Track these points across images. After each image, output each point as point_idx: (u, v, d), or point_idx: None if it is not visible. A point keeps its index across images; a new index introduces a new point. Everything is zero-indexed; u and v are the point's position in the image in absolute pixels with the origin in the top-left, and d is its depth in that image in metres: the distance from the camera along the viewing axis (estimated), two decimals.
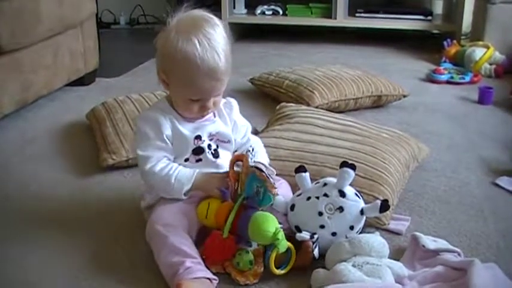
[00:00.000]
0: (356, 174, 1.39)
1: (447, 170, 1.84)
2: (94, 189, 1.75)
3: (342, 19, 3.54)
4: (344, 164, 1.38)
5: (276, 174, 1.47)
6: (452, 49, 3.08)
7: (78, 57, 2.65)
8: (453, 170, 1.84)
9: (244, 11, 3.74)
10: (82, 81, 2.73)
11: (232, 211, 1.32)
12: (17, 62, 2.22)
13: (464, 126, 2.24)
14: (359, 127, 1.85)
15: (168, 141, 1.39)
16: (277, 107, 2.09)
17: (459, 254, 1.34)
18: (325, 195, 1.37)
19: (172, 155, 1.41)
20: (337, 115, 2.01)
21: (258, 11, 3.66)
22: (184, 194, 1.37)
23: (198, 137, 1.41)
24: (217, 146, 1.44)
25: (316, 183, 1.43)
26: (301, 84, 2.37)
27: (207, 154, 1.42)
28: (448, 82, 2.79)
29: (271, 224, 1.28)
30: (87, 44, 2.71)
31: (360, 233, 1.38)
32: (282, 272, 1.30)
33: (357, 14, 3.58)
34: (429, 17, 3.51)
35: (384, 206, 1.35)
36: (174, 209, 1.36)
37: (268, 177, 1.30)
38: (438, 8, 3.77)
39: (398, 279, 1.23)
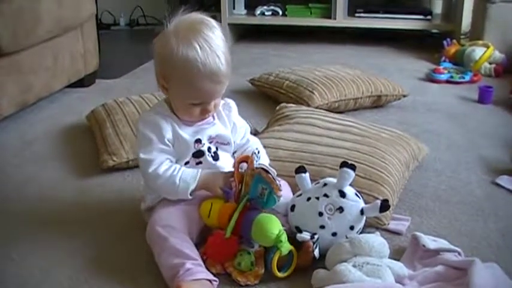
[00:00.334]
0: (356, 175, 1.39)
1: (447, 170, 1.84)
2: (94, 190, 1.75)
3: (341, 19, 3.54)
4: (344, 164, 1.38)
5: (276, 175, 1.47)
6: (452, 48, 3.08)
7: (78, 59, 2.65)
8: (453, 169, 1.84)
9: (244, 11, 3.74)
10: (82, 82, 2.73)
11: (236, 211, 1.32)
12: (17, 64, 2.22)
13: (464, 125, 2.24)
14: (359, 127, 1.85)
15: (169, 144, 1.39)
16: (277, 108, 2.09)
17: (459, 254, 1.34)
18: (325, 195, 1.37)
19: (174, 157, 1.40)
20: (336, 115, 2.01)
21: (258, 11, 3.67)
22: (190, 194, 1.37)
23: (198, 141, 1.41)
24: (217, 149, 1.44)
25: (316, 184, 1.43)
26: (301, 85, 2.37)
27: (207, 157, 1.42)
28: (447, 81, 2.79)
29: (275, 225, 1.28)
30: (87, 45, 2.72)
31: (360, 233, 1.38)
32: (284, 274, 1.30)
33: (357, 14, 3.58)
34: (429, 17, 3.51)
35: (384, 206, 1.35)
36: (175, 210, 1.36)
37: (274, 180, 1.30)
38: (438, 7, 3.77)
39: (399, 279, 1.23)
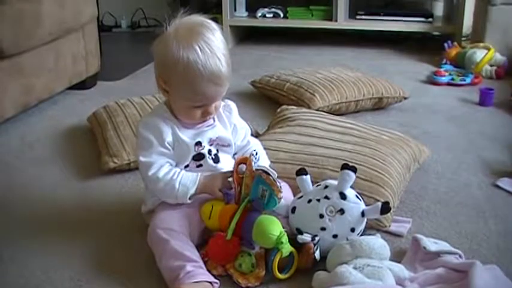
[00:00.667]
0: (357, 177, 1.39)
1: (448, 172, 1.84)
2: (95, 192, 1.75)
3: (342, 21, 3.54)
4: (345, 167, 1.38)
5: (277, 177, 1.47)
6: (453, 51, 3.07)
7: (79, 61, 2.65)
8: (454, 171, 1.84)
9: (245, 13, 3.74)
10: (83, 84, 2.73)
11: (237, 213, 1.33)
12: (19, 66, 2.23)
13: (465, 127, 2.24)
14: (360, 129, 1.85)
15: (169, 148, 1.39)
16: (278, 110, 2.09)
17: (460, 256, 1.34)
18: (326, 197, 1.37)
19: (174, 160, 1.41)
20: (337, 117, 2.01)
21: (259, 13, 3.67)
22: (189, 198, 1.37)
23: (199, 143, 1.41)
24: (218, 151, 1.45)
25: (317, 186, 1.43)
26: (302, 87, 2.38)
27: (208, 160, 1.42)
28: (448, 84, 2.79)
29: (276, 227, 1.28)
30: (89, 47, 2.72)
31: (361, 235, 1.38)
32: (285, 276, 1.30)
33: (358, 17, 3.58)
34: (430, 19, 3.51)
35: (385, 208, 1.35)
36: (176, 213, 1.36)
37: (275, 181, 1.30)
38: (439, 9, 3.77)
39: (400, 282, 1.23)
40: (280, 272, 1.29)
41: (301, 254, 1.31)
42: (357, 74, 2.54)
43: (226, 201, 1.38)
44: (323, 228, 1.35)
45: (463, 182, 1.77)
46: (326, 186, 1.40)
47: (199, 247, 1.34)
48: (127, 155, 1.86)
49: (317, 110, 2.20)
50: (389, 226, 1.49)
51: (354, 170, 1.38)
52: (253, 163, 1.35)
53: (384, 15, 3.56)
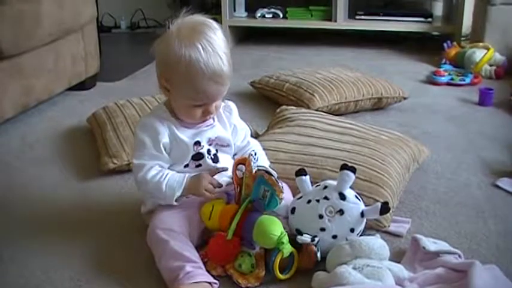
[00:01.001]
0: (356, 177, 1.39)
1: (447, 172, 1.84)
2: (95, 193, 1.76)
3: (342, 22, 3.54)
4: (344, 167, 1.38)
5: (278, 177, 1.47)
6: (453, 51, 3.08)
7: (79, 62, 2.65)
8: (453, 171, 1.84)
9: (245, 14, 3.74)
10: (83, 85, 2.74)
11: (237, 213, 1.33)
12: (18, 67, 2.23)
13: (464, 127, 2.24)
14: (359, 129, 1.85)
15: (163, 151, 1.39)
16: (278, 110, 2.09)
17: (459, 256, 1.34)
18: (326, 198, 1.37)
19: (167, 163, 1.41)
20: (337, 118, 2.01)
21: (258, 14, 3.67)
22: (176, 200, 1.37)
23: (198, 143, 1.41)
24: (217, 151, 1.45)
25: (316, 186, 1.43)
26: (301, 87, 2.38)
27: (207, 159, 1.42)
28: (448, 84, 2.79)
29: (277, 227, 1.29)
30: (88, 48, 2.72)
31: (361, 235, 1.38)
32: (286, 276, 1.30)
33: (357, 17, 3.58)
34: (429, 19, 3.51)
35: (384, 209, 1.36)
36: (175, 213, 1.36)
37: (277, 182, 1.30)
38: (438, 9, 3.77)
39: (399, 282, 1.24)
40: (280, 272, 1.29)
41: (303, 255, 1.32)
42: (357, 74, 2.54)
43: (226, 202, 1.38)
44: (322, 229, 1.35)
45: (463, 182, 1.77)
46: (325, 187, 1.40)
47: (199, 248, 1.34)
48: (126, 155, 1.86)
49: (316, 110, 2.20)
50: (389, 226, 1.49)
51: (353, 170, 1.38)
52: (252, 163, 1.35)
53: (384, 15, 3.56)
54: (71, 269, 1.37)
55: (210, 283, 1.25)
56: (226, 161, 1.45)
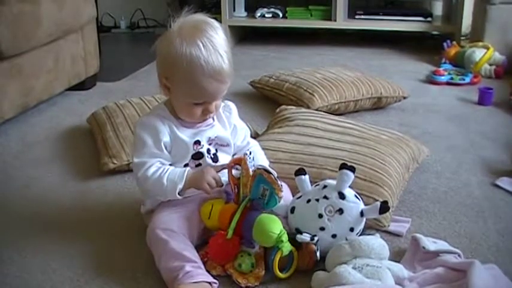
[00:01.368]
0: (356, 177, 1.39)
1: (447, 171, 1.84)
2: (95, 193, 1.76)
3: (341, 21, 3.54)
4: (343, 166, 1.38)
5: (277, 177, 1.47)
6: (452, 50, 3.08)
7: (78, 62, 2.65)
8: (453, 171, 1.84)
9: (244, 13, 3.74)
10: (83, 85, 2.74)
11: (237, 212, 1.33)
12: (18, 67, 2.23)
13: (464, 127, 2.24)
14: (359, 129, 1.85)
15: (164, 149, 1.39)
16: (277, 110, 2.09)
17: (459, 255, 1.34)
18: (325, 197, 1.37)
19: (168, 161, 1.41)
20: (336, 117, 2.01)
21: (258, 13, 3.67)
22: (179, 194, 1.37)
23: (197, 142, 1.42)
24: (217, 150, 1.45)
25: (316, 186, 1.43)
26: (301, 87, 2.38)
27: (207, 159, 1.43)
28: (448, 83, 2.79)
29: (276, 225, 1.29)
30: (88, 48, 2.72)
31: (360, 235, 1.38)
32: (285, 275, 1.30)
33: (357, 16, 3.58)
34: (429, 18, 3.51)
35: (384, 208, 1.36)
36: (175, 213, 1.36)
37: (276, 180, 1.30)
38: (438, 9, 3.77)
39: (399, 281, 1.24)
40: (280, 271, 1.29)
41: (302, 254, 1.32)
42: (356, 74, 2.54)
43: (226, 201, 1.38)
44: (322, 228, 1.35)
45: (462, 181, 1.77)
46: (325, 186, 1.40)
47: (198, 247, 1.34)
48: (126, 155, 1.86)
49: (316, 110, 2.21)
50: (389, 226, 1.49)
51: (353, 169, 1.38)
52: (248, 162, 1.35)
53: (383, 14, 3.56)
54: (71, 269, 1.37)
55: (209, 283, 1.25)
56: (225, 160, 1.45)
